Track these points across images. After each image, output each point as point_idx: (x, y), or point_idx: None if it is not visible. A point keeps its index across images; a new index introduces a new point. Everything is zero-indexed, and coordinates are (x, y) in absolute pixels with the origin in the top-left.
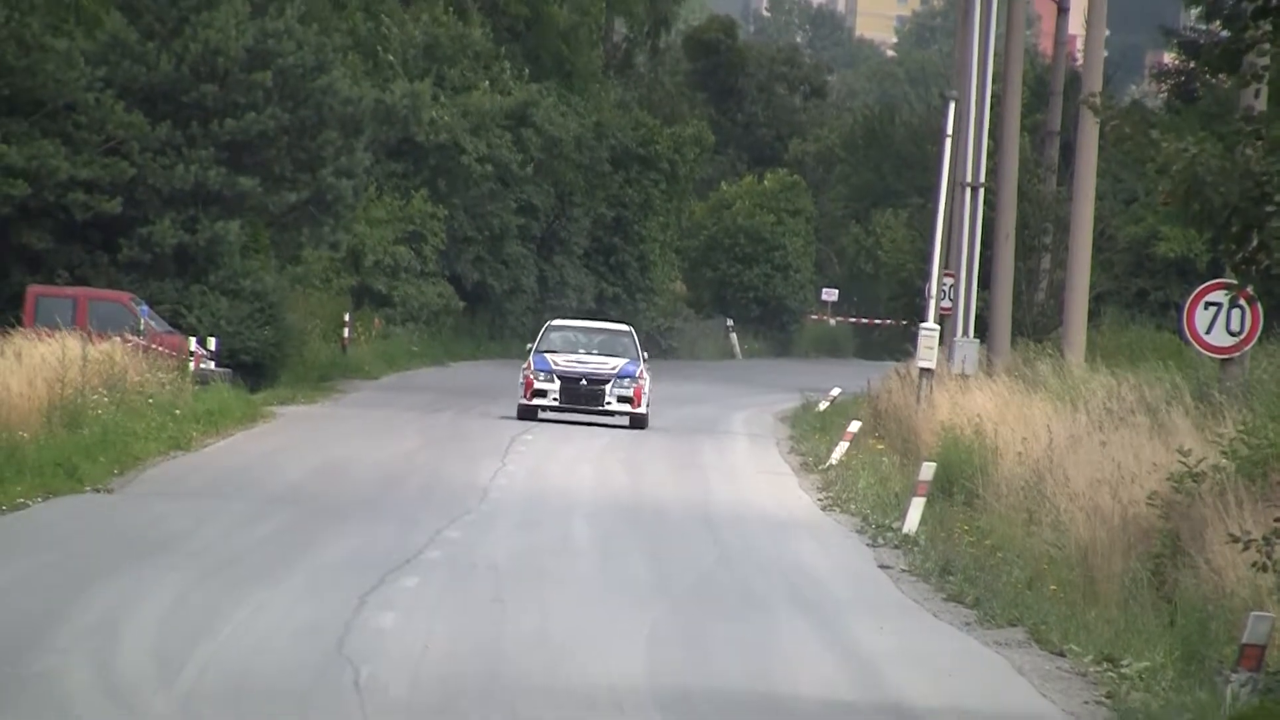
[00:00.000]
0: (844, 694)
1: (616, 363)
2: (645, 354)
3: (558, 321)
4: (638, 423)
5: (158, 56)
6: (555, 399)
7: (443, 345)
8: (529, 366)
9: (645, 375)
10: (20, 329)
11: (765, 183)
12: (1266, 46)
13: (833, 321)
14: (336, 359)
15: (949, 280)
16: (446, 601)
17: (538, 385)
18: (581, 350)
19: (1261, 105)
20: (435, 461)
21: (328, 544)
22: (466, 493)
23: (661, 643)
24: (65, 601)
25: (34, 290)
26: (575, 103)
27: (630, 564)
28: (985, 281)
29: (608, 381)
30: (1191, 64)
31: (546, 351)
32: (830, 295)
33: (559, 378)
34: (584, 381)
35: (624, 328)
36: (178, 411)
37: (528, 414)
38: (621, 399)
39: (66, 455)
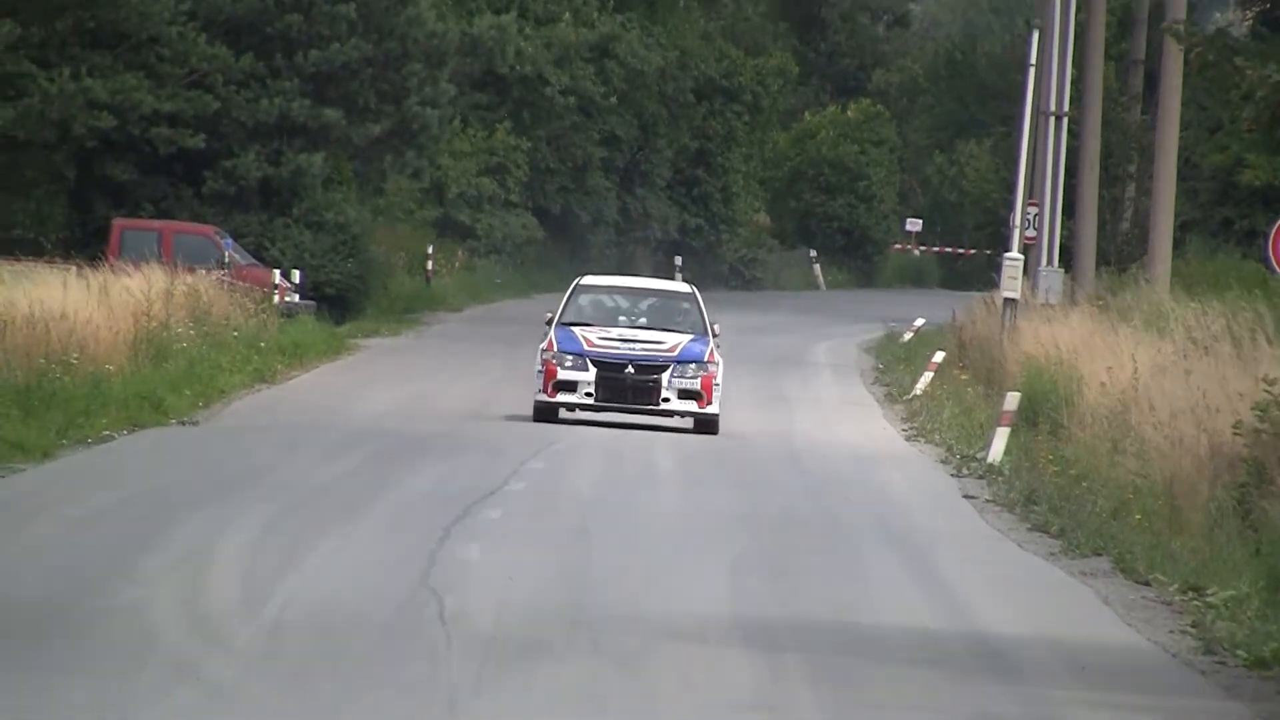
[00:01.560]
0: (928, 623)
1: (676, 340)
2: (716, 325)
3: (590, 279)
4: (706, 426)
5: None
6: (589, 393)
7: (526, 277)
8: (549, 346)
9: (717, 358)
10: (105, 262)
11: (849, 113)
12: None
13: (917, 252)
14: (420, 291)
15: (1033, 210)
16: (530, 532)
17: (563, 374)
18: (624, 321)
19: None
20: (519, 393)
21: (411, 476)
22: (549, 426)
23: (745, 573)
24: (151, 533)
25: (119, 224)
26: (658, 34)
27: (714, 495)
28: (1070, 210)
29: (665, 368)
30: None
31: (574, 324)
32: (914, 225)
33: (594, 363)
34: (630, 369)
35: (683, 288)
36: (262, 345)
37: (546, 414)
38: (684, 394)
39: (152, 389)
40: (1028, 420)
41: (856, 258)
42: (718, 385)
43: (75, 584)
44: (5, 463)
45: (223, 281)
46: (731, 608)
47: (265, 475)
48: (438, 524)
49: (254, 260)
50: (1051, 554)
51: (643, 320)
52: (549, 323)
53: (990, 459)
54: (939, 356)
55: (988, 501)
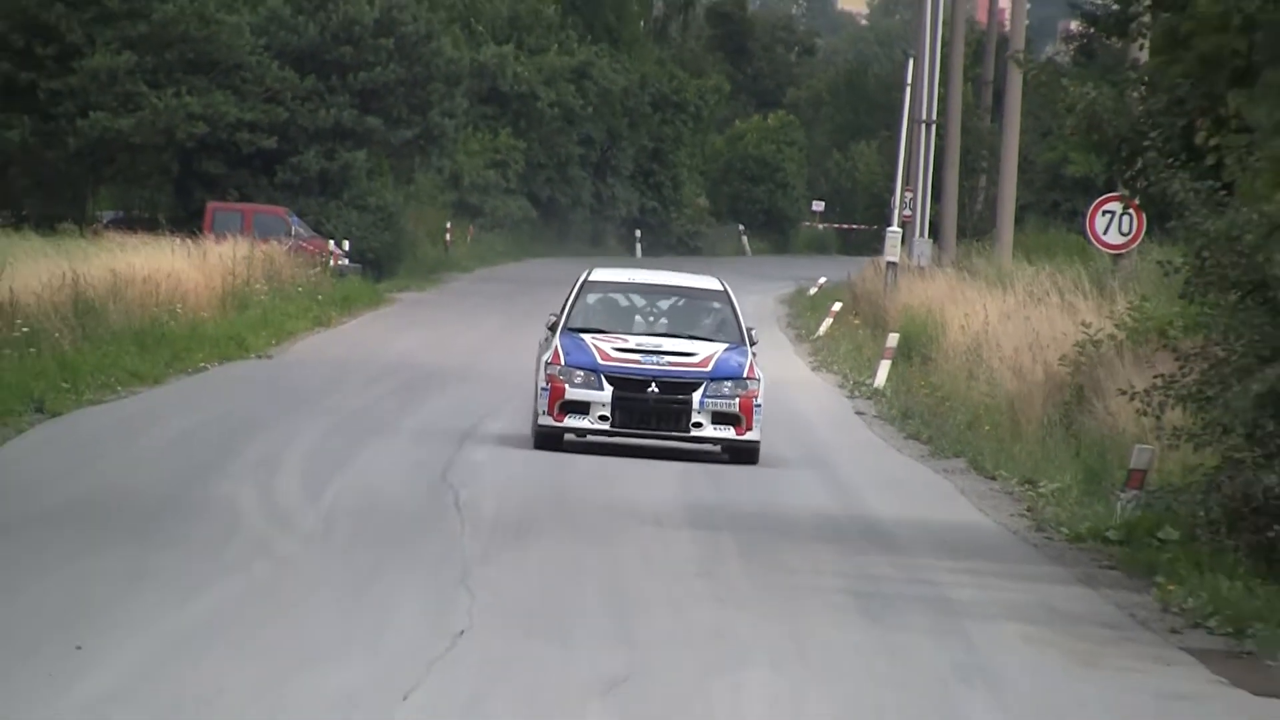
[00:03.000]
0: (828, 510)
1: (709, 351)
2: (753, 331)
3: (601, 273)
4: (743, 455)
5: (306, 26)
6: (604, 416)
7: (521, 247)
8: (554, 357)
9: (758, 373)
10: (201, 236)
11: (769, 121)
12: (1146, 15)
13: (820, 227)
14: (440, 257)
15: (909, 194)
16: (528, 439)
17: (573, 393)
18: (642, 326)
19: (1144, 58)
20: (517, 336)
21: (435, 399)
22: (542, 359)
23: (689, 476)
24: (237, 442)
25: (211, 206)
26: (624, 61)
27: None
28: (937, 195)
29: (696, 387)
30: (1091, 29)
31: (583, 330)
32: (819, 206)
33: (611, 380)
34: (654, 388)
35: (713, 284)
36: (320, 297)
37: (550, 441)
38: (720, 418)
39: (236, 331)
40: (904, 355)
41: (774, 231)
42: (759, 406)
43: (179, 479)
44: (127, 388)
45: (290, 250)
46: (679, 500)
47: (322, 398)
48: (454, 435)
49: (314, 233)
50: (921, 456)
51: (664, 324)
52: (552, 328)
53: (876, 385)
54: (837, 306)
55: (874, 417)
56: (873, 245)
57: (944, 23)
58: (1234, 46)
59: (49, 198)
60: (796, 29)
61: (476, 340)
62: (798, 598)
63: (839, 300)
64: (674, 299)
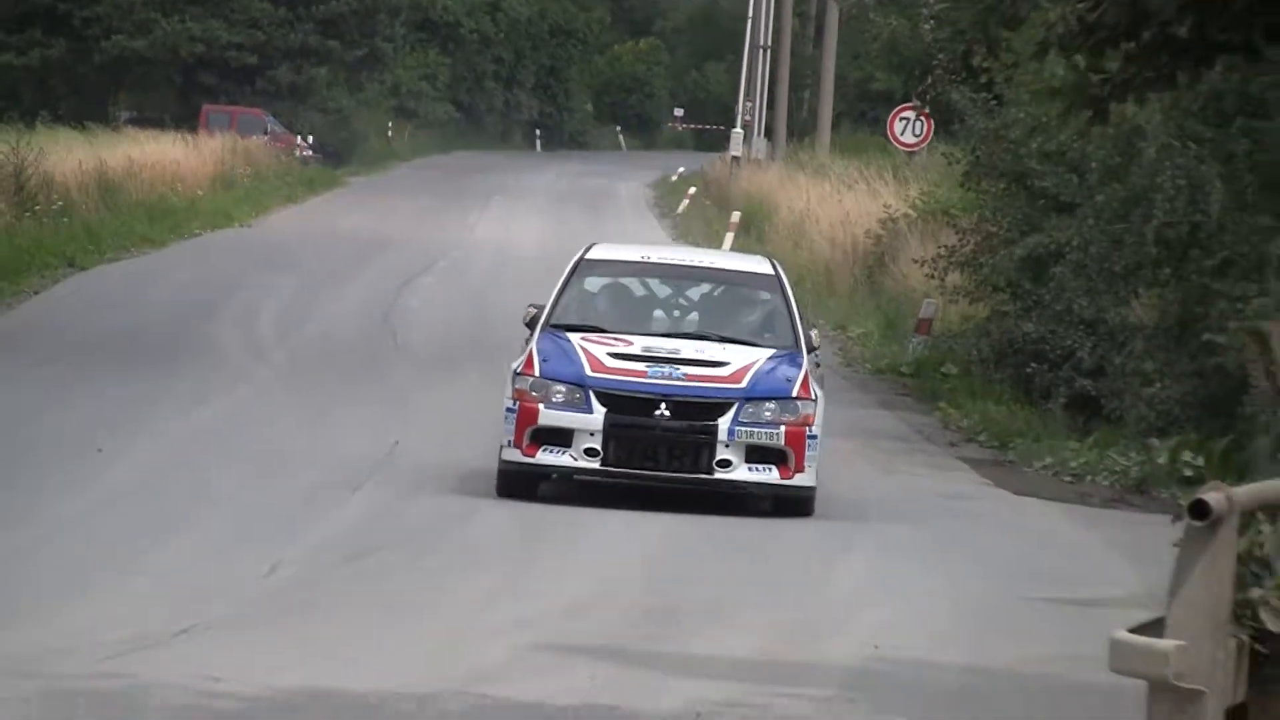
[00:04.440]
0: None
1: (746, 360)
2: (815, 331)
3: (605, 250)
4: (792, 506)
5: None
6: (591, 449)
7: (448, 141)
8: (526, 364)
9: (815, 390)
10: (197, 132)
11: (640, 46)
12: None
13: (680, 128)
14: (384, 149)
15: (749, 104)
16: (450, 291)
17: (548, 417)
18: (660, 319)
19: None
20: (446, 211)
21: (379, 259)
22: (462, 229)
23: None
24: (223, 293)
25: (205, 108)
26: None
27: (548, 255)
28: (771, 104)
29: (724, 409)
30: None
31: (573, 328)
32: (679, 112)
33: (602, 398)
34: (663, 411)
35: (761, 266)
36: (289, 180)
37: (518, 485)
38: (757, 453)
39: (224, 205)
40: (745, 229)
41: (644, 133)
42: (813, 437)
43: (180, 321)
44: (139, 249)
45: (266, 143)
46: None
47: (291, 259)
48: (393, 286)
49: (285, 130)
50: None
51: (693, 319)
52: (530, 323)
53: (723, 250)
54: (693, 190)
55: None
56: (721, 144)
57: None
58: None
59: (79, 101)
60: None
61: (414, 214)
62: None
63: (694, 186)
64: (707, 286)
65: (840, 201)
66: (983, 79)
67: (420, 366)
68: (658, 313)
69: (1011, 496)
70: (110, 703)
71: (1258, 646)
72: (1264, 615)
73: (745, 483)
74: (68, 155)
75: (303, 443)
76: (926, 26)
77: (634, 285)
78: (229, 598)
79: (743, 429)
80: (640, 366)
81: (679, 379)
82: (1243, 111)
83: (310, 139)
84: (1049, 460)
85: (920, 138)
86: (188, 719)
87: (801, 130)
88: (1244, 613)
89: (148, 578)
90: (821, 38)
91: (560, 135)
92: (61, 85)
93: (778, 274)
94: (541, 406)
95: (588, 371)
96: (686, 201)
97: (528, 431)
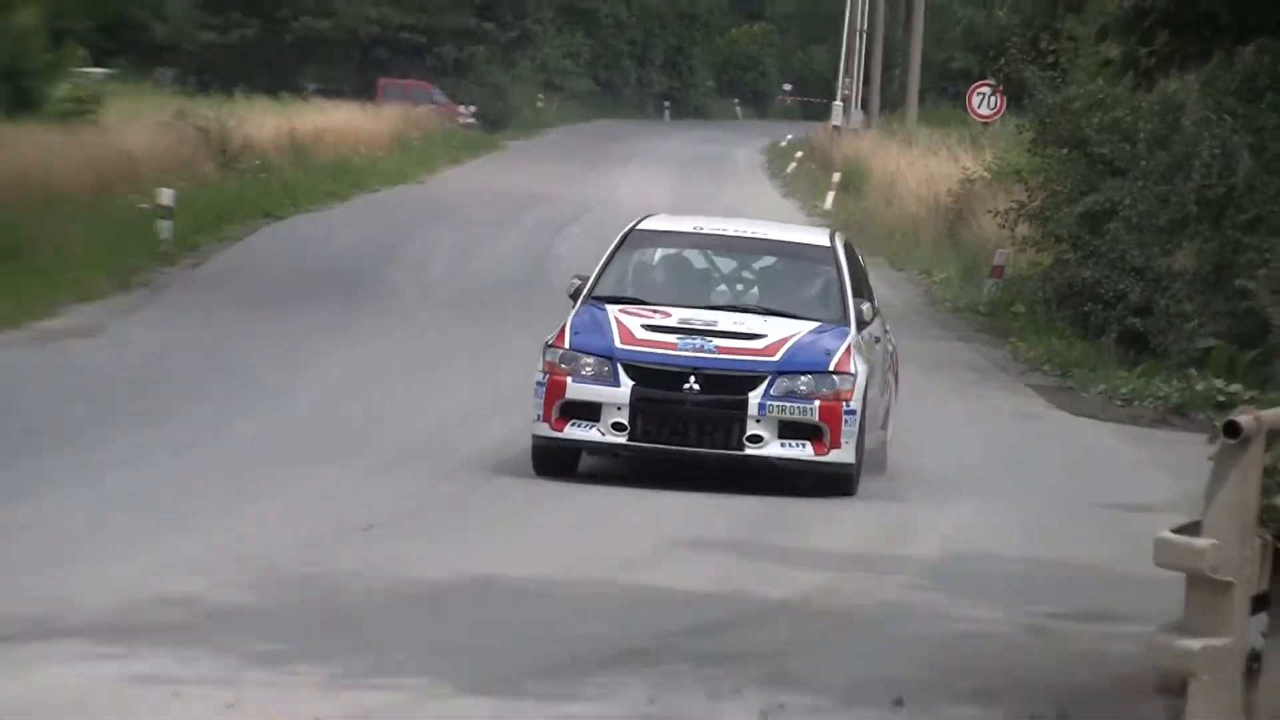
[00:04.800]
0: None
1: (786, 332)
2: (866, 306)
3: (655, 222)
4: (831, 484)
5: None
6: (618, 423)
7: (589, 112)
8: (558, 338)
9: (856, 365)
10: (374, 102)
11: (755, 29)
12: None
13: (789, 101)
14: (535, 118)
15: (848, 80)
16: (594, 239)
17: (575, 390)
18: (710, 295)
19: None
20: (589, 171)
21: (533, 212)
22: (603, 187)
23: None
24: (398, 241)
25: (382, 81)
26: None
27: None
28: (866, 80)
29: (756, 383)
30: None
31: (613, 300)
32: (788, 87)
33: (630, 371)
34: (692, 384)
35: (819, 239)
36: (454, 143)
37: (551, 461)
38: (790, 429)
39: (400, 166)
40: (844, 188)
41: (757, 104)
42: (851, 413)
43: (362, 264)
44: (326, 203)
45: (435, 112)
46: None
47: (458, 210)
48: (546, 236)
49: (449, 101)
50: (863, 255)
51: (740, 291)
52: (574, 295)
53: (825, 207)
54: (800, 154)
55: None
56: (824, 115)
57: None
58: None
59: (272, 75)
60: None
61: (561, 174)
62: None
63: (800, 151)
64: (755, 257)
65: (925, 165)
66: (1049, 59)
67: (569, 305)
68: (704, 284)
69: (1070, 417)
70: (319, 585)
71: (1279, 545)
72: (1210, 532)
73: (777, 459)
74: (264, 122)
75: (462, 371)
76: (1000, 14)
77: (684, 256)
78: (402, 503)
79: (774, 403)
80: (671, 339)
81: (710, 351)
82: (1273, 89)
83: (471, 108)
84: (1103, 387)
85: (994, 110)
86: (386, 600)
87: (892, 103)
88: (1268, 517)
89: (329, 485)
90: (910, 23)
91: (686, 107)
92: (256, 61)
93: (834, 246)
94: (570, 380)
95: (617, 344)
96: (794, 164)
97: (556, 405)
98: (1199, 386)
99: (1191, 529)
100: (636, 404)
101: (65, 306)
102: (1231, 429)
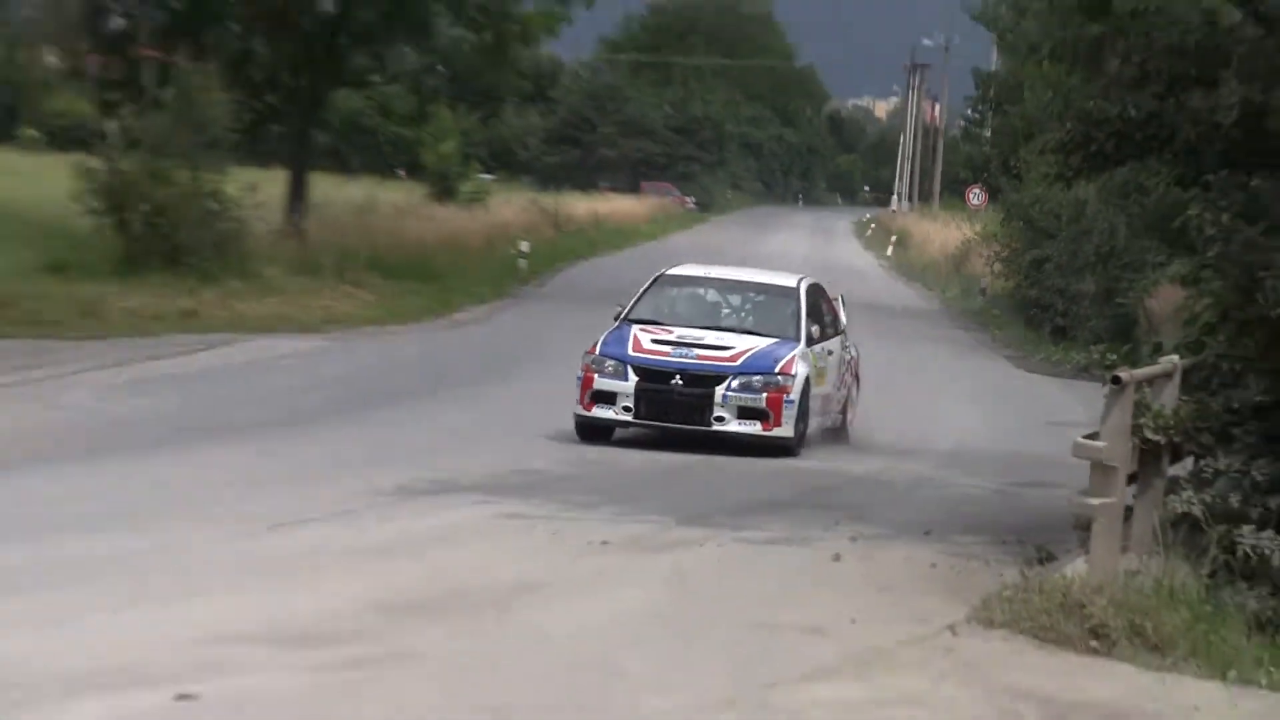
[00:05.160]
0: (864, 295)
1: (748, 345)
2: (825, 328)
3: (676, 269)
4: (776, 450)
5: (660, 122)
6: (627, 407)
7: (756, 200)
8: (592, 348)
9: (797, 368)
10: (639, 194)
11: (850, 158)
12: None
13: (869, 196)
14: (726, 204)
15: (900, 187)
16: (794, 242)
17: (600, 383)
18: (706, 320)
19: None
20: (757, 233)
21: (726, 254)
22: (763, 241)
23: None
24: (651, 269)
25: (643, 183)
26: (788, 131)
27: (792, 249)
28: (911, 185)
29: (720, 380)
30: (971, 118)
31: (639, 321)
32: (867, 188)
33: (637, 371)
34: (678, 380)
35: (787, 280)
36: (682, 219)
37: (587, 431)
38: (745, 412)
39: (652, 231)
40: (898, 244)
41: (850, 197)
42: (790, 401)
43: (632, 281)
44: (611, 251)
45: (671, 201)
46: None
47: (683, 255)
48: (752, 232)
49: (679, 194)
50: (902, 280)
51: (734, 319)
52: (616, 317)
53: (887, 253)
54: (873, 225)
55: (886, 267)
56: (887, 204)
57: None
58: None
59: (584, 179)
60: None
61: (741, 234)
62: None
63: (873, 224)
64: (742, 294)
65: (942, 232)
66: (1014, 172)
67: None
68: (705, 312)
69: (1025, 374)
70: (608, 463)
71: (1142, 445)
72: (1145, 430)
73: (736, 433)
74: (578, 205)
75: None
76: (985, 149)
77: (696, 293)
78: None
79: (734, 395)
80: (666, 349)
81: (691, 359)
82: (1137, 190)
83: (691, 199)
84: (1041, 357)
85: (981, 201)
86: (642, 471)
87: (925, 197)
88: (1135, 430)
89: (559, 429)
90: (935, 155)
91: (810, 198)
92: (575, 171)
93: (798, 288)
94: (597, 376)
95: (629, 352)
96: (869, 231)
97: (588, 393)
98: (1095, 357)
99: (1093, 436)
100: (639, 393)
101: (466, 307)
102: (1116, 380)
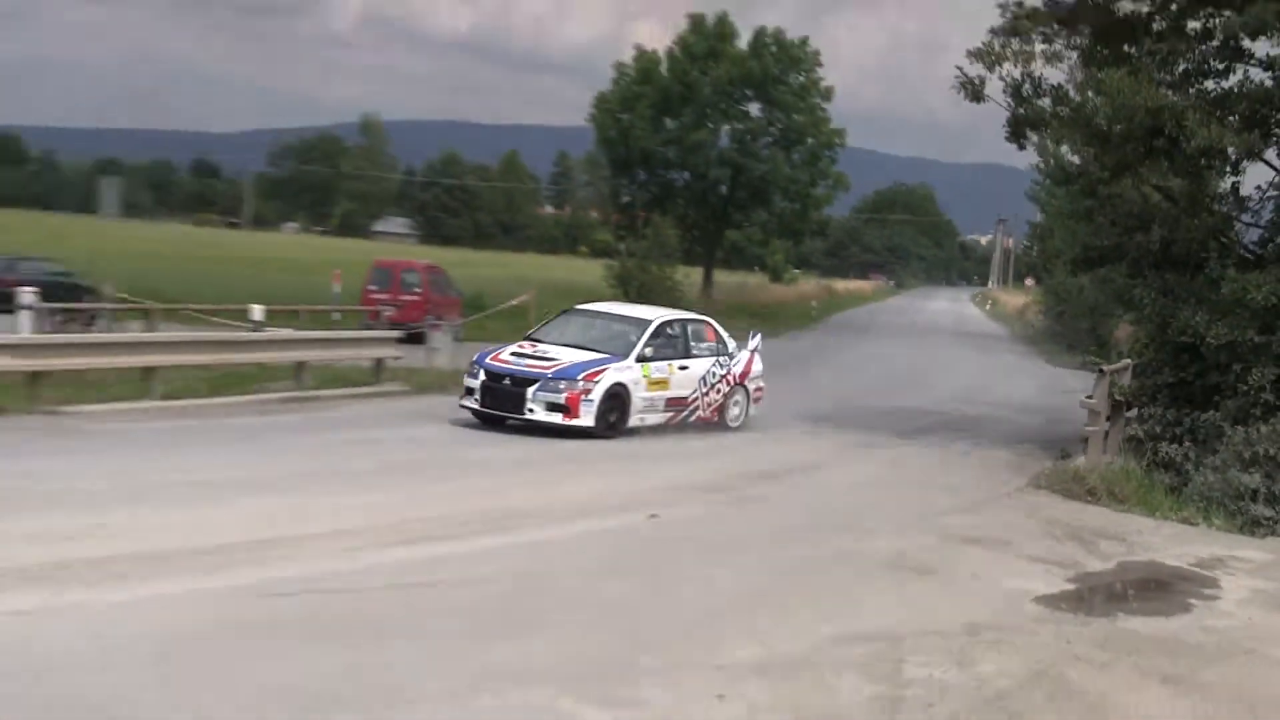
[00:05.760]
0: (985, 330)
1: (572, 358)
2: (676, 349)
3: (583, 305)
4: (578, 434)
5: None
6: (477, 398)
7: (927, 281)
8: (477, 355)
9: (602, 377)
10: (867, 278)
11: (967, 262)
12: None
13: (978, 281)
14: (911, 284)
15: (992, 278)
16: (926, 316)
17: (468, 381)
18: (570, 341)
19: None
20: (923, 300)
21: (913, 306)
22: (926, 304)
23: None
24: (877, 315)
25: (870, 271)
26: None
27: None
28: (1002, 271)
29: (534, 382)
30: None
31: (530, 338)
32: (976, 278)
33: (486, 374)
34: (508, 381)
35: (646, 315)
36: (886, 292)
37: (469, 414)
38: (551, 406)
39: (874, 297)
40: (991, 304)
41: (970, 286)
42: (590, 400)
43: (870, 322)
44: (853, 307)
45: (881, 282)
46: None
47: (890, 308)
48: (913, 310)
49: (886, 277)
50: (996, 323)
51: (590, 340)
52: (525, 336)
53: (988, 308)
54: (980, 295)
55: (984, 316)
56: (986, 284)
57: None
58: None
59: (846, 273)
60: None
61: (920, 299)
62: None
63: (980, 295)
64: (608, 322)
65: (1014, 299)
66: (1047, 269)
67: (907, 339)
68: (577, 334)
69: (1052, 368)
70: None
71: (1113, 402)
72: (1115, 394)
73: (542, 421)
74: (838, 284)
75: (912, 354)
76: (1034, 257)
77: (583, 320)
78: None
79: (542, 394)
80: (512, 359)
81: (521, 366)
82: (1108, 279)
83: (893, 280)
84: (1061, 359)
85: (1032, 283)
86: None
87: (1004, 281)
88: (1110, 394)
89: (836, 390)
90: (1009, 261)
91: (949, 282)
92: (837, 267)
93: (651, 320)
94: (466, 376)
95: (487, 360)
96: (978, 297)
97: (465, 388)
98: (1090, 359)
99: (1090, 397)
100: (483, 389)
101: (790, 333)
102: (1100, 370)
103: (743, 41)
